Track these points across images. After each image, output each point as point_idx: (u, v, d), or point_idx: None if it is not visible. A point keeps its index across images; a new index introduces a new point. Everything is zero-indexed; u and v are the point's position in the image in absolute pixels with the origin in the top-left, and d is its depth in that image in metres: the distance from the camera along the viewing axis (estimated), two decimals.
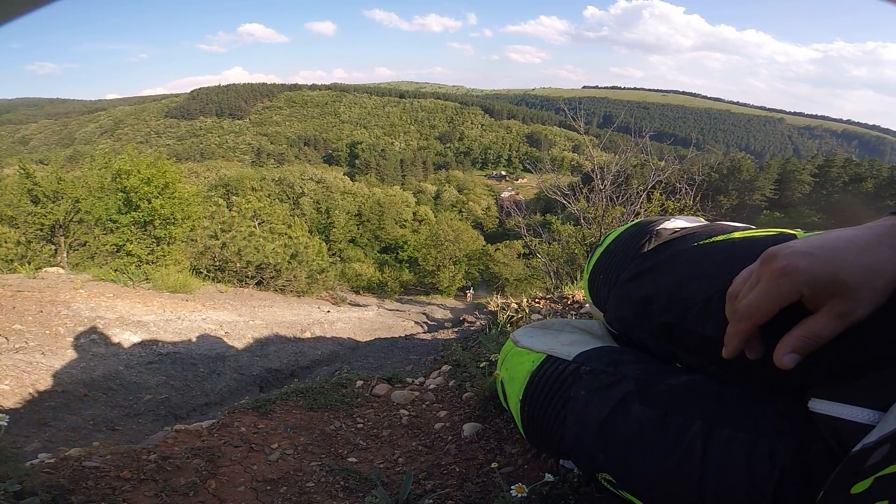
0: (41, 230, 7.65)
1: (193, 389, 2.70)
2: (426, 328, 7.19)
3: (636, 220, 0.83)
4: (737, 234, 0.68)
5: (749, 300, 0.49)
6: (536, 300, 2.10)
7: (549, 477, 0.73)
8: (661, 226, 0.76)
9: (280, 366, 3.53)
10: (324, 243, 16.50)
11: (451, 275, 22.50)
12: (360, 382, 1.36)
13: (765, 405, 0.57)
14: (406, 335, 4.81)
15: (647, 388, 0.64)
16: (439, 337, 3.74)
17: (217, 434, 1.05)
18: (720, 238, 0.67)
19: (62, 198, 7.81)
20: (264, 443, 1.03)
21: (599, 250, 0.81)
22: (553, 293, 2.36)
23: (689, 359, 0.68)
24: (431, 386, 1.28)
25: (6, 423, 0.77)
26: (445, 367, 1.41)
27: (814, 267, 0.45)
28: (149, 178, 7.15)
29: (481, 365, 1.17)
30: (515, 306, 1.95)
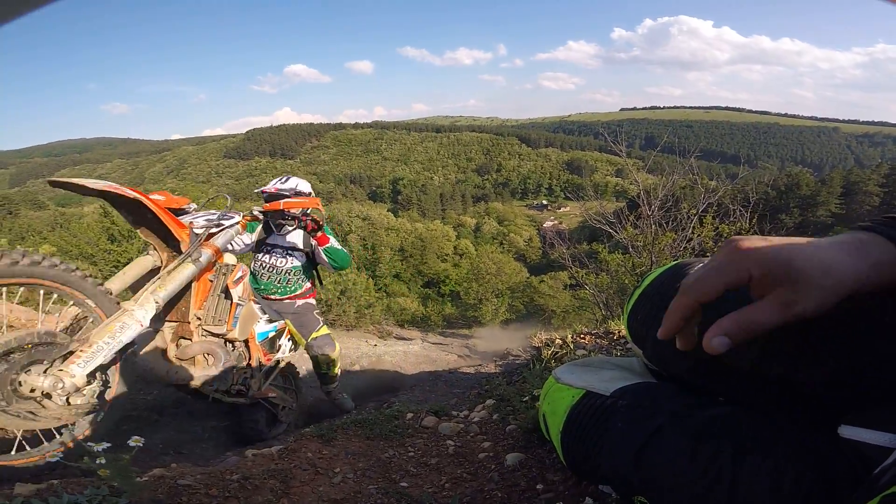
0: (116, 267, 8.54)
1: None
2: (468, 361, 7.15)
3: (674, 262, 0.87)
4: None
5: (697, 274, 0.48)
6: (582, 336, 2.12)
7: (589, 501, 0.79)
8: (696, 268, 0.82)
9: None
10: (370, 279, 17.13)
11: (493, 308, 22.26)
12: (410, 415, 1.46)
13: (793, 432, 0.61)
14: (450, 369, 4.85)
15: (681, 420, 0.69)
16: (483, 371, 3.76)
17: (287, 458, 1.19)
18: None
19: (135, 236, 8.81)
20: (328, 467, 1.16)
21: (637, 292, 0.86)
22: (599, 328, 2.35)
23: (723, 391, 0.72)
24: (476, 419, 1.36)
25: (141, 444, 0.94)
26: (489, 401, 1.48)
27: (768, 250, 0.45)
28: None
29: (524, 399, 1.23)
30: (560, 342, 1.98)
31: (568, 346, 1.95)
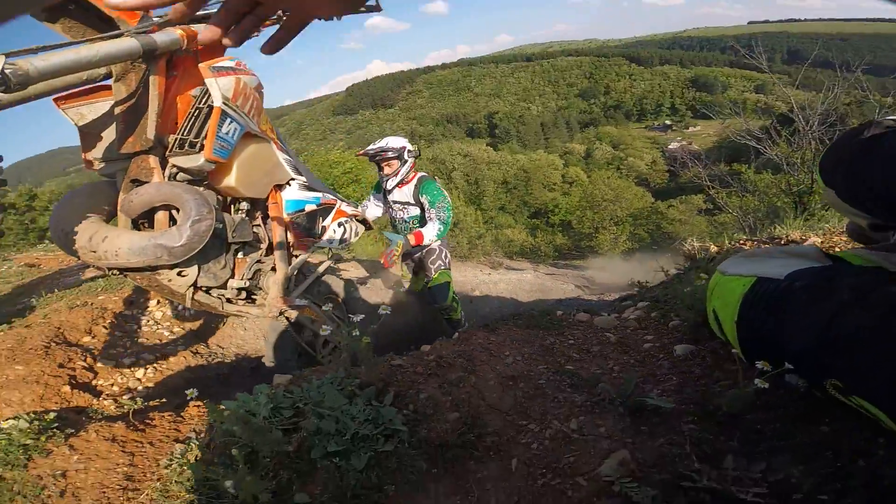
0: None
1: None
2: (588, 292, 7.04)
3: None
4: None
5: None
6: (741, 242, 1.91)
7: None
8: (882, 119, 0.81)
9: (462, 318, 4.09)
10: (478, 211, 17.46)
11: (612, 237, 20.87)
12: (559, 312, 1.58)
13: None
14: (569, 298, 4.88)
15: (864, 295, 0.66)
16: (606, 298, 3.68)
17: (464, 343, 1.42)
18: None
19: None
20: (499, 351, 1.35)
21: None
22: (760, 235, 2.08)
23: None
24: (632, 316, 1.40)
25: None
26: (642, 304, 1.50)
27: None
28: (349, 169, 8.95)
29: (686, 291, 1.22)
30: (716, 249, 1.83)
31: (725, 253, 1.78)
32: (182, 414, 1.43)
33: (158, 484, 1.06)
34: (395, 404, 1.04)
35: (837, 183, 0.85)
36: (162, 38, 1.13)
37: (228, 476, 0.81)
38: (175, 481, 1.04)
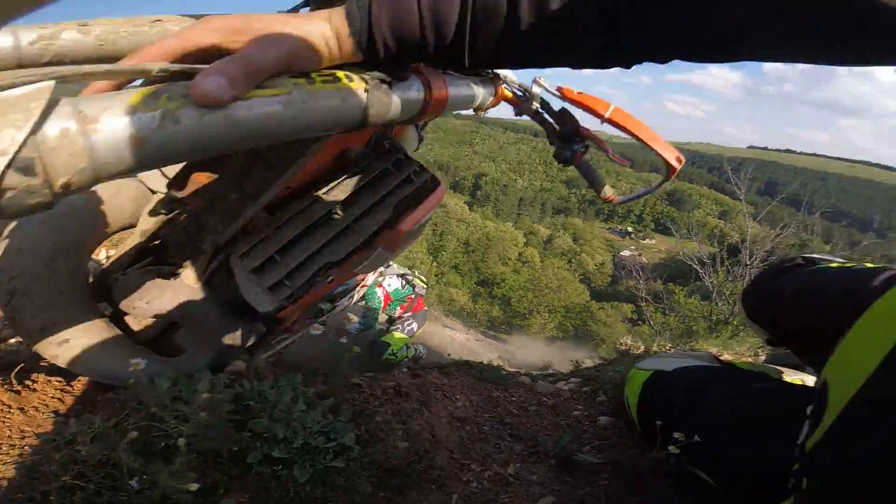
0: None
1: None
2: (511, 366, 7.24)
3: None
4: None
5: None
6: (666, 348, 2.25)
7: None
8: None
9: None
10: (433, 263, 17.74)
11: (542, 322, 21.93)
12: (504, 371, 1.75)
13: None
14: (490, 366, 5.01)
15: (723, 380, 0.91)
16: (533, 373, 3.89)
17: (421, 379, 1.53)
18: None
19: None
20: (451, 393, 1.48)
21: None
22: (685, 346, 2.46)
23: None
24: (566, 388, 1.60)
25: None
26: (574, 379, 1.71)
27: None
28: None
29: (612, 374, 1.45)
30: (644, 348, 2.14)
31: (649, 353, 2.09)
32: (72, 384, 1.11)
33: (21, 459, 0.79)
34: (350, 422, 1.05)
35: (748, 301, 1.09)
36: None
37: (138, 468, 0.66)
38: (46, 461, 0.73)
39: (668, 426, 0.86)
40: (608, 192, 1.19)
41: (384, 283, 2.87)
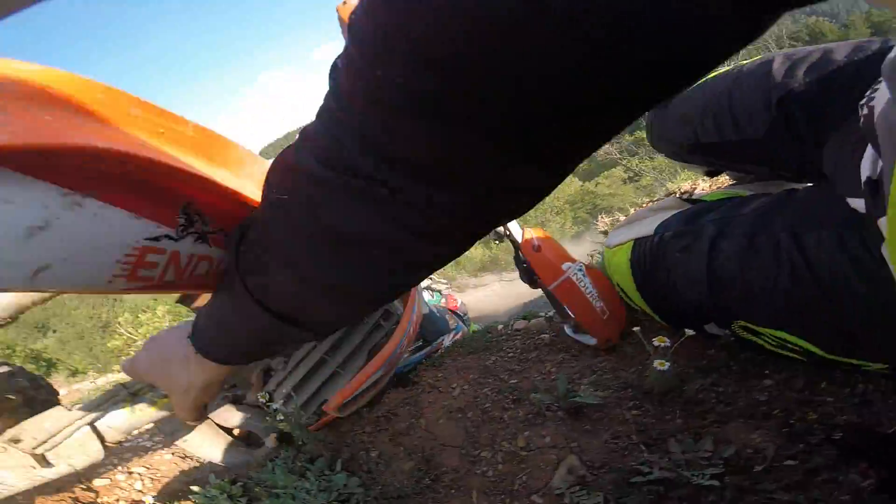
0: None
1: None
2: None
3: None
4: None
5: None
6: (645, 205, 2.03)
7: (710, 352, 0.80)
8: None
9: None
10: None
11: (558, 226, 21.77)
12: (500, 326, 1.57)
13: (834, 200, 0.57)
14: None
15: (728, 225, 0.67)
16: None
17: (411, 388, 1.36)
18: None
19: None
20: (446, 385, 1.31)
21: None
22: (658, 195, 2.24)
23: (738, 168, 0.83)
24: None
25: None
26: None
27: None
28: None
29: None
30: (623, 217, 1.93)
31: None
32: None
33: None
34: (347, 469, 0.98)
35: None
36: None
37: None
38: None
39: (692, 299, 0.71)
40: None
41: (422, 302, 2.96)
